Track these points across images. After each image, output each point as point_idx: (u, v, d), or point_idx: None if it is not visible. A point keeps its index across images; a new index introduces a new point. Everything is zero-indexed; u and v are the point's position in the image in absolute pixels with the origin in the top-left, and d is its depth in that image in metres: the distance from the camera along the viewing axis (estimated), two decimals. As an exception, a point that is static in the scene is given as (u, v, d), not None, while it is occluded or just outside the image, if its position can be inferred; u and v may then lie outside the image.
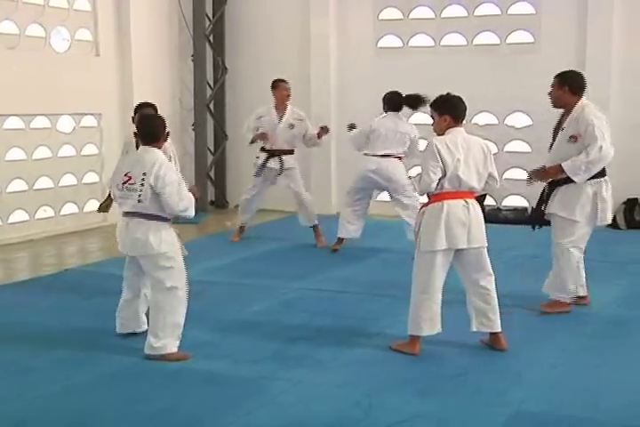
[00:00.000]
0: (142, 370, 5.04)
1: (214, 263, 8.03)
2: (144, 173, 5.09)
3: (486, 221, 10.90)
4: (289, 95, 8.84)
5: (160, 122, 5.35)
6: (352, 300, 6.71)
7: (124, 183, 5.17)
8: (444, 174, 5.13)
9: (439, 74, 10.78)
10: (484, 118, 10.95)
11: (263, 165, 8.84)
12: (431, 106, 5.39)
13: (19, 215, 9.59)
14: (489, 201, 11.02)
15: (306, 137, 8.96)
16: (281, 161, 8.80)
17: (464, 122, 5.30)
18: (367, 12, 11.35)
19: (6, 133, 9.35)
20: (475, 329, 5.43)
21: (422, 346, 5.39)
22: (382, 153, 8.39)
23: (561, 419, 4.34)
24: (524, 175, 10.81)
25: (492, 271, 5.40)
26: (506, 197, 11.05)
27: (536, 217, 6.69)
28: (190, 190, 5.29)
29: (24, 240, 9.36)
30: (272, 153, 8.83)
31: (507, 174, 10.99)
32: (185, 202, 5.15)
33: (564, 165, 6.16)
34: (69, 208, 10.21)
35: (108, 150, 10.47)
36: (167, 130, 5.36)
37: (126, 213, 5.27)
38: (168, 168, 5.16)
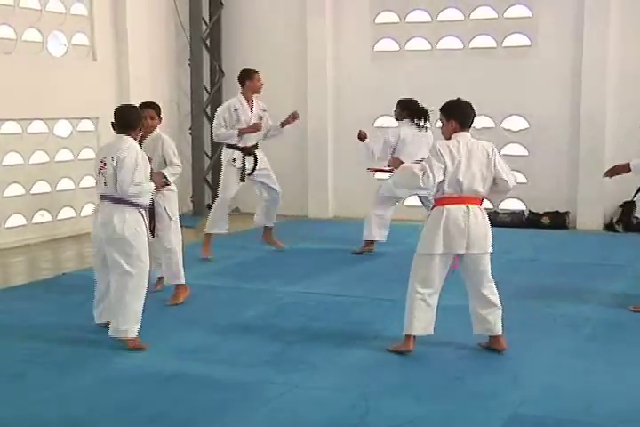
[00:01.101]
0: (137, 375, 5.02)
1: (210, 267, 8.03)
2: (112, 158, 5.38)
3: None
4: (262, 85, 8.47)
5: (133, 112, 5.63)
6: (348, 304, 6.71)
7: (100, 169, 5.44)
8: (445, 177, 5.17)
9: (436, 77, 10.81)
10: (480, 122, 10.94)
11: (244, 166, 8.32)
12: (440, 110, 5.41)
13: (16, 220, 9.58)
14: (486, 204, 11.00)
15: (268, 129, 8.56)
16: (256, 159, 8.39)
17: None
18: (364, 16, 11.36)
19: (3, 138, 9.36)
20: (476, 333, 5.46)
21: (420, 349, 5.39)
22: (412, 160, 8.31)
23: (559, 422, 4.33)
24: (520, 178, 10.89)
25: (491, 278, 5.40)
26: (503, 200, 11.04)
27: None
28: (152, 179, 5.59)
29: (21, 245, 9.36)
30: (248, 151, 8.35)
31: (504, 178, 10.99)
32: (137, 187, 5.37)
33: (632, 164, 6.22)
34: (66, 213, 10.20)
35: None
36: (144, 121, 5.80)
37: (100, 198, 5.56)
38: (131, 154, 5.38)
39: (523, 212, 10.82)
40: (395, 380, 4.95)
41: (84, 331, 5.91)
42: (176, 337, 5.75)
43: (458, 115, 5.28)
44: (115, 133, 5.58)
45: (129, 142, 5.46)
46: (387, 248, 8.68)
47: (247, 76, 8.40)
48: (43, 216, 9.91)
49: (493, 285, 5.42)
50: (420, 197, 8.64)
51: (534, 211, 10.68)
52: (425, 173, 5.15)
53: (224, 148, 8.52)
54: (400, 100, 8.49)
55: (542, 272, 7.84)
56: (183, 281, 6.65)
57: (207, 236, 8.48)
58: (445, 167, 5.15)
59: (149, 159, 6.11)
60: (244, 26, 11.96)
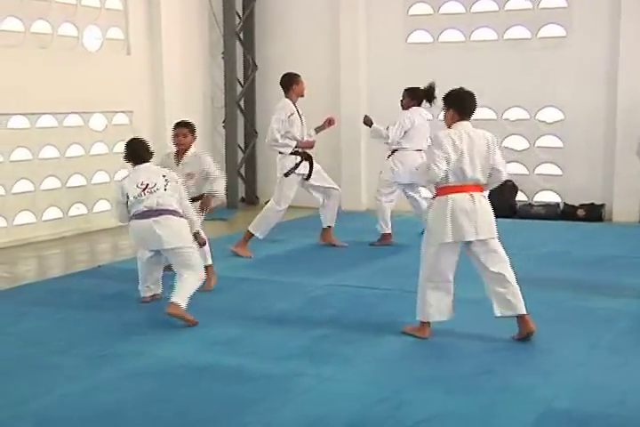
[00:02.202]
0: (168, 367, 5.05)
1: (241, 260, 8.06)
2: (164, 176, 6.12)
3: (518, 216, 10.94)
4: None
5: (145, 145, 6.30)
6: (379, 296, 6.70)
7: (144, 190, 6.01)
8: (448, 166, 5.23)
9: (470, 69, 10.73)
10: (514, 113, 10.88)
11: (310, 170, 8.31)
12: (443, 100, 5.50)
13: (52, 213, 9.70)
14: (521, 196, 10.95)
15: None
16: (311, 164, 8.34)
17: (472, 116, 5.42)
18: (397, 8, 11.31)
19: (40, 132, 9.47)
20: (498, 314, 5.44)
21: (450, 341, 5.40)
22: (420, 147, 8.44)
23: (592, 416, 4.29)
24: (555, 170, 10.80)
25: (506, 258, 5.42)
26: (537, 192, 10.97)
27: None
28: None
29: (57, 237, 9.48)
30: (306, 156, 8.32)
31: (538, 169, 10.93)
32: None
33: None
34: (101, 205, 10.30)
35: (140, 148, 10.56)
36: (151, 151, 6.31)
37: (152, 213, 6.01)
38: (173, 177, 6.24)
39: (558, 204, 10.72)
40: (426, 373, 4.93)
41: (117, 323, 5.97)
42: (207, 329, 5.78)
43: (458, 104, 5.36)
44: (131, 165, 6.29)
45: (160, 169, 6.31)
46: (415, 241, 8.64)
47: (294, 80, 8.28)
48: (78, 209, 10.02)
49: (507, 265, 5.42)
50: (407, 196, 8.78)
51: (569, 203, 10.58)
52: (429, 167, 5.23)
53: (282, 156, 8.23)
54: (406, 89, 8.68)
55: (576, 265, 7.76)
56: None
57: (250, 235, 8.35)
58: (448, 156, 5.21)
59: (191, 175, 6.85)
60: (277, 19, 11.97)
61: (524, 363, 5.12)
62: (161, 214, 6.01)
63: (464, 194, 5.29)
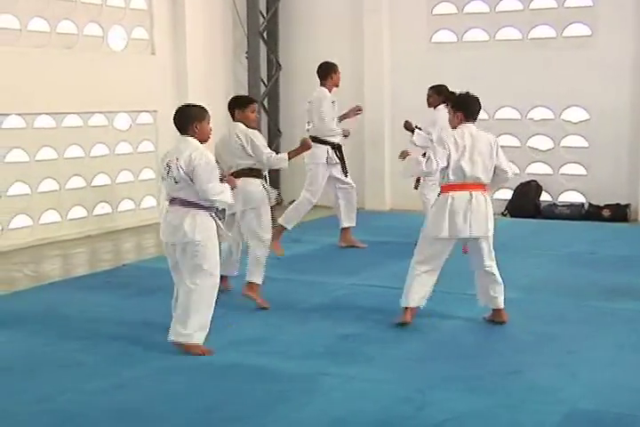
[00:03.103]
0: (192, 365, 5.07)
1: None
2: (177, 159, 5.15)
3: (542, 216, 10.87)
4: None
5: (185, 113, 5.30)
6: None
7: (167, 173, 5.22)
8: (448, 164, 5.53)
9: (494, 68, 10.70)
10: (539, 113, 10.82)
11: (342, 161, 8.37)
12: (450, 103, 5.89)
13: (77, 212, 9.76)
14: (545, 196, 10.89)
15: None
16: (342, 155, 8.41)
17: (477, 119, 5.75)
18: (421, 7, 11.29)
19: (66, 131, 9.52)
20: (481, 304, 5.86)
21: (476, 341, 5.42)
22: None
23: (618, 417, 4.27)
24: (580, 170, 10.73)
25: (493, 257, 5.74)
26: (562, 192, 10.90)
27: None
28: (227, 180, 5.34)
29: (82, 236, 9.53)
30: (338, 147, 8.41)
31: (563, 169, 10.86)
32: (216, 187, 5.15)
33: None
34: (126, 205, 10.36)
35: (164, 147, 10.57)
36: (198, 123, 5.23)
37: (168, 201, 5.35)
38: (200, 154, 5.15)
39: (582, 204, 10.64)
40: (450, 372, 4.91)
41: (141, 322, 6.00)
42: (232, 328, 5.79)
43: (464, 108, 5.70)
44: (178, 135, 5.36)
45: (191, 144, 5.22)
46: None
47: (332, 70, 8.34)
48: (103, 208, 10.08)
49: (495, 264, 5.76)
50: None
51: (594, 203, 10.50)
52: (429, 159, 5.54)
53: (316, 146, 7.70)
54: (432, 87, 8.48)
55: (601, 266, 7.71)
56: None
57: (281, 230, 8.21)
58: (449, 154, 5.53)
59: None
60: (301, 18, 11.98)
61: (549, 363, 5.08)
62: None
63: (464, 192, 5.59)
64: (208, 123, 5.34)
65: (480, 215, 5.60)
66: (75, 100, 9.39)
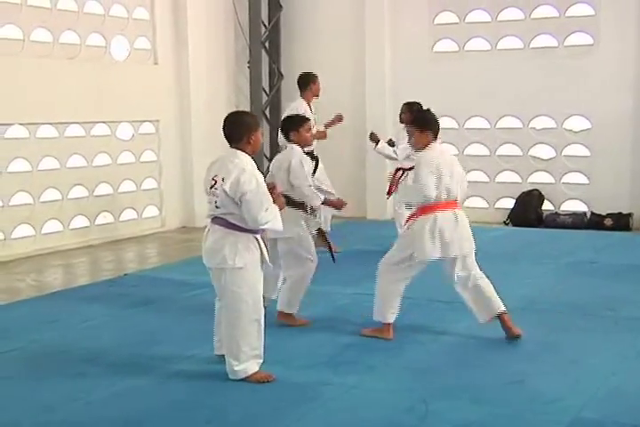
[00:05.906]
0: (195, 375, 5.06)
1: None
2: (223, 179, 4.65)
3: (544, 225, 10.86)
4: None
5: (239, 121, 4.80)
6: (405, 305, 6.61)
7: (211, 187, 4.74)
8: (439, 187, 5.45)
9: (496, 78, 10.71)
10: (541, 122, 10.83)
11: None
12: (413, 123, 5.64)
13: (79, 221, 9.77)
14: (547, 205, 10.88)
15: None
16: (317, 163, 7.90)
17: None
18: (423, 17, 11.31)
19: (68, 141, 9.54)
20: (483, 321, 5.69)
21: (479, 351, 5.39)
22: None
23: (620, 426, 4.26)
24: (582, 179, 10.72)
25: (480, 271, 5.69)
26: (564, 201, 10.89)
27: None
28: (274, 197, 4.80)
29: (84, 246, 9.54)
30: (311, 155, 8.30)
31: (565, 178, 10.86)
32: (268, 215, 4.66)
33: None
34: (128, 214, 10.36)
35: (166, 157, 10.64)
36: (253, 133, 4.76)
37: (210, 219, 4.86)
38: (250, 177, 4.63)
39: (584, 213, 10.63)
40: (453, 382, 4.90)
41: (143, 331, 5.99)
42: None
43: (433, 127, 5.54)
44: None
45: (241, 160, 4.69)
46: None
47: (311, 80, 8.49)
48: (105, 218, 10.09)
49: (483, 276, 5.68)
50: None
51: (596, 212, 10.49)
52: (426, 187, 5.39)
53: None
54: (406, 104, 8.36)
55: (604, 275, 7.69)
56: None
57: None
58: (440, 179, 5.40)
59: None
60: (303, 28, 12.01)
61: (552, 373, 5.07)
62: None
63: (448, 211, 5.51)
64: (262, 133, 4.94)
65: (465, 233, 5.56)
66: (77, 109, 9.42)
